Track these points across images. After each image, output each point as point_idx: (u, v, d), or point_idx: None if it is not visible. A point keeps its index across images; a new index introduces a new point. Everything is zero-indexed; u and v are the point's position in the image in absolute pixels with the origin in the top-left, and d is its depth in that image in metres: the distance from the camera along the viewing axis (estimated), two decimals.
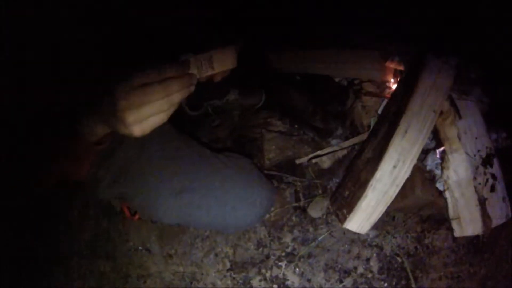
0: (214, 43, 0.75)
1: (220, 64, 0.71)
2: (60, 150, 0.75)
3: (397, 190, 0.97)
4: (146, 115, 0.57)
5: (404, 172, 0.97)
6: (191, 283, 1.10)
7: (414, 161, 0.97)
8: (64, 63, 0.70)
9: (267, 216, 1.06)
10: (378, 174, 0.95)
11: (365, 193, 0.95)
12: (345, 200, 1.00)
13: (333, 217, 1.08)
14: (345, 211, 0.98)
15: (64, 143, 0.71)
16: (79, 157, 0.90)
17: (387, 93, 1.09)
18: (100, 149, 0.71)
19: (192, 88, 0.62)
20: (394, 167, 0.96)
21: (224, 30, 0.96)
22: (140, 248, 1.15)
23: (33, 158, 0.70)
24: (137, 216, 1.11)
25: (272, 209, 1.05)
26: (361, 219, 0.97)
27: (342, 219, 0.98)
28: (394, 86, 1.08)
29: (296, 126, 1.09)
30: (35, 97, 0.69)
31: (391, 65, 1.06)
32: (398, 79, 1.07)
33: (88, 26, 0.73)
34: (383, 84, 1.09)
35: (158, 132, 0.93)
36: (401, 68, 1.06)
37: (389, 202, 0.97)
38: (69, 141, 0.70)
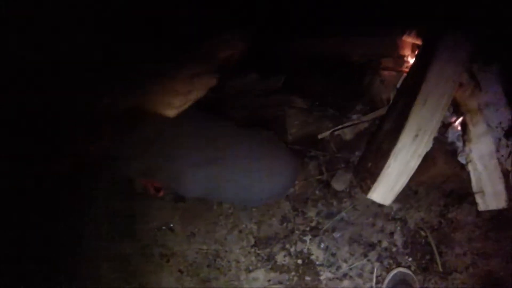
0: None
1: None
2: (76, 128, 0.78)
3: (419, 161, 1.00)
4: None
5: (425, 142, 0.99)
6: (215, 260, 1.13)
7: (435, 132, 1.00)
8: (65, 63, 0.74)
9: (291, 190, 1.09)
10: (399, 144, 0.98)
11: (388, 163, 0.98)
12: (368, 171, 1.02)
13: (356, 190, 1.11)
14: (368, 182, 1.01)
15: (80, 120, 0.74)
16: (95, 142, 0.94)
17: (405, 67, 1.12)
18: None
19: None
20: (416, 136, 0.99)
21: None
22: (163, 227, 1.19)
23: (48, 138, 0.73)
24: (161, 193, 1.14)
25: (296, 182, 1.08)
26: (385, 189, 0.99)
27: (366, 190, 1.00)
28: (411, 60, 1.12)
29: (316, 103, 1.13)
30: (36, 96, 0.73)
31: (408, 39, 1.10)
32: (416, 53, 1.10)
33: (88, 26, 0.76)
34: (401, 59, 1.13)
35: None
36: (418, 42, 1.10)
37: (412, 172, 1.00)
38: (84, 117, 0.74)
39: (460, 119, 1.08)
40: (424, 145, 1.02)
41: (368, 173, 1.04)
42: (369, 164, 1.04)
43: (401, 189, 1.02)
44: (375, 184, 1.01)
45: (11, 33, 0.64)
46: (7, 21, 0.63)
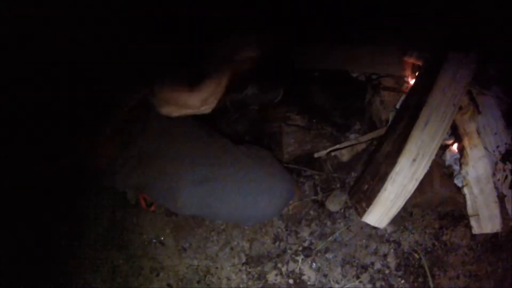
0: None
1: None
2: (78, 141, 0.76)
3: (416, 184, 0.97)
4: None
5: (423, 166, 0.97)
6: (205, 276, 1.10)
7: (434, 155, 0.98)
8: (65, 63, 0.71)
9: (285, 209, 1.06)
10: (397, 167, 0.96)
11: (384, 186, 0.96)
12: (364, 193, 1.00)
13: (351, 211, 1.08)
14: (364, 205, 0.98)
15: (83, 134, 0.73)
16: (96, 149, 0.91)
17: (406, 88, 1.09)
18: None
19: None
20: (414, 160, 0.96)
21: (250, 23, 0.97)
22: (154, 240, 1.16)
23: (51, 144, 0.71)
24: (153, 208, 1.11)
25: (290, 202, 1.05)
26: (380, 213, 0.97)
27: (361, 213, 0.98)
28: (412, 81, 1.09)
29: (314, 120, 1.10)
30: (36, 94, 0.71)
31: (410, 59, 1.07)
32: (417, 74, 1.08)
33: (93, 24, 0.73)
34: (402, 79, 1.10)
35: (179, 121, 0.95)
36: (420, 62, 1.07)
37: (408, 196, 0.98)
38: (87, 133, 0.72)
39: (458, 142, 1.06)
40: (422, 169, 0.99)
41: (364, 195, 1.01)
42: (365, 186, 1.01)
43: (396, 213, 1.00)
44: (371, 207, 0.98)
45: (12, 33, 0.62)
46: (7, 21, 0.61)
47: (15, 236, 1.11)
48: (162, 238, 1.16)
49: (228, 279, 1.09)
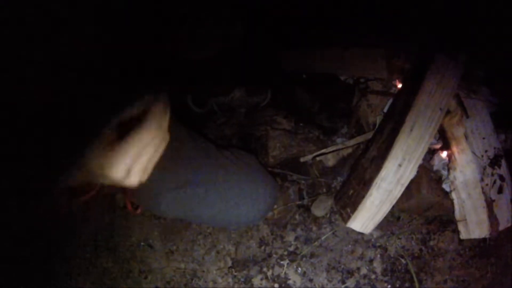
0: None
1: None
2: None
3: (402, 190, 0.92)
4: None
5: (409, 171, 0.92)
6: (192, 280, 1.05)
7: (420, 160, 0.92)
8: (64, 63, 0.68)
9: (270, 214, 1.01)
10: (383, 173, 0.90)
11: (369, 192, 0.90)
12: (349, 198, 0.95)
13: (337, 216, 1.03)
14: (349, 210, 0.93)
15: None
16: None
17: (393, 91, 1.04)
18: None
19: None
20: (400, 165, 0.91)
21: None
22: (142, 243, 1.11)
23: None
24: (139, 210, 1.07)
25: (275, 207, 1.01)
26: (365, 219, 0.91)
27: (346, 218, 0.93)
28: (400, 85, 1.03)
29: (301, 124, 1.05)
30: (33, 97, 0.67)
31: (397, 63, 1.02)
32: (404, 77, 1.02)
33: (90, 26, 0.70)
34: (389, 82, 1.05)
35: None
36: (407, 66, 1.01)
37: (394, 201, 0.92)
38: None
39: (446, 147, 1.00)
40: (408, 174, 0.94)
41: (349, 200, 0.96)
42: (351, 192, 0.96)
43: (382, 218, 0.94)
44: (355, 213, 0.93)
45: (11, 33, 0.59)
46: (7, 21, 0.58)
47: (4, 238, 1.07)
48: (150, 241, 1.12)
49: (215, 282, 1.04)
